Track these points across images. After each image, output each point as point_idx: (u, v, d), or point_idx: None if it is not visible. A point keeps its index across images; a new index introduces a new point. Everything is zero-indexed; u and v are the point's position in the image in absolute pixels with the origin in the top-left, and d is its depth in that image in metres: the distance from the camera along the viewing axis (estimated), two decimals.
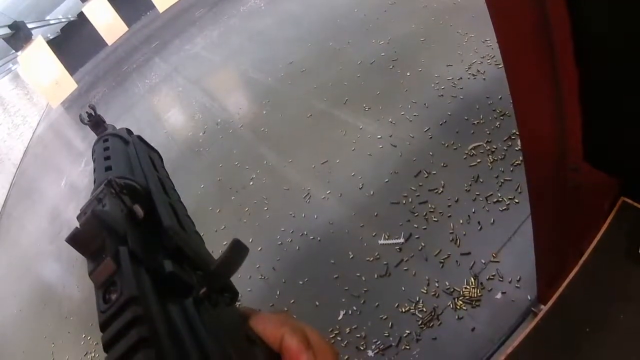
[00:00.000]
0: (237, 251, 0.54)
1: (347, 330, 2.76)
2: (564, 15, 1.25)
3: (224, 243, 3.91)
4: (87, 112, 0.97)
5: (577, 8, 1.22)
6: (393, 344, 2.56)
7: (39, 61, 16.61)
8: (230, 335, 0.52)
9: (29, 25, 17.40)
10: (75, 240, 0.48)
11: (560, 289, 1.69)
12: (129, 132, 0.95)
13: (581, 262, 1.66)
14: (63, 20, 23.04)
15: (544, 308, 1.80)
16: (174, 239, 0.57)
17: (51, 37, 20.42)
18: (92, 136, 0.92)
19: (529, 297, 2.28)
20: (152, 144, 0.91)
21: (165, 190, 0.73)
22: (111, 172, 0.72)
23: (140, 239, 0.53)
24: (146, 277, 0.47)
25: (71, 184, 8.47)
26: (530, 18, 1.28)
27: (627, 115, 1.42)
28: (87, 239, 0.49)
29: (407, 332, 2.56)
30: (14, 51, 17.11)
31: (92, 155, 0.84)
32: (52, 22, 21.56)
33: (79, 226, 0.49)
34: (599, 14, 1.23)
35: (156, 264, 0.51)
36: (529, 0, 1.23)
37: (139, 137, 0.92)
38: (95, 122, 0.96)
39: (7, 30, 16.36)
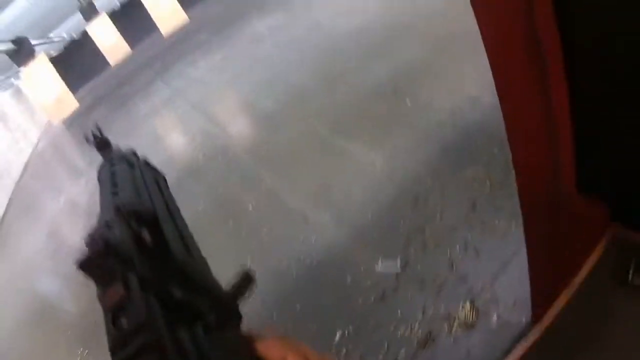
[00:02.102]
0: (245, 279, 0.59)
1: (343, 352, 2.78)
2: (557, 46, 1.31)
3: (222, 267, 3.90)
4: (92, 133, 0.99)
5: (567, 32, 1.28)
6: None
7: (41, 78, 16.68)
8: (236, 358, 0.54)
9: (32, 42, 17.48)
10: (85, 265, 0.50)
11: (552, 313, 1.73)
12: (135, 153, 0.97)
13: (573, 287, 1.70)
14: (66, 38, 23.16)
15: (536, 331, 1.84)
16: (182, 265, 0.59)
17: (54, 55, 20.48)
18: (93, 155, 0.95)
19: (523, 320, 2.31)
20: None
21: (171, 215, 0.75)
22: (118, 197, 0.73)
23: (149, 264, 0.54)
24: (155, 303, 0.48)
25: (70, 201, 8.46)
26: (524, 50, 1.34)
27: (616, 144, 1.48)
28: (97, 264, 0.50)
29: (403, 354, 2.58)
30: (16, 66, 17.16)
31: (98, 178, 0.86)
32: (55, 39, 21.68)
33: (87, 252, 0.50)
34: (588, 38, 1.29)
35: (165, 289, 0.52)
36: (522, 32, 1.29)
37: (145, 160, 0.94)
38: (101, 143, 0.98)
39: (10, 46, 16.43)
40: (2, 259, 8.52)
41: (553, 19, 1.27)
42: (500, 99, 1.46)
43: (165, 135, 8.50)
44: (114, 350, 0.43)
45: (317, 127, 5.30)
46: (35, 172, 13.00)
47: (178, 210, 0.82)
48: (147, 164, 0.93)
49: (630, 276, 1.63)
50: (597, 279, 1.70)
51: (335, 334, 2.89)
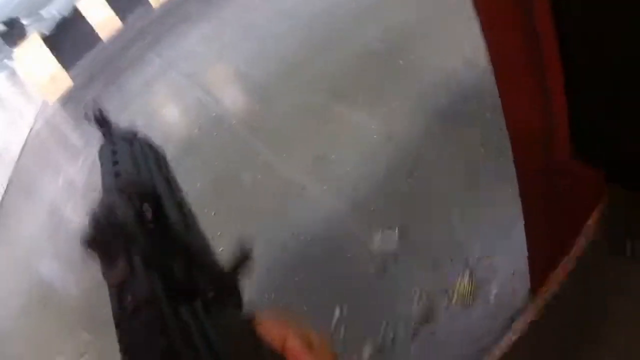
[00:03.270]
0: (245, 255, 0.58)
1: (342, 329, 2.76)
2: (548, 8, 1.24)
3: (220, 244, 3.89)
4: (93, 112, 0.97)
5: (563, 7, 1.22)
6: (388, 342, 2.56)
7: (35, 57, 16.60)
8: (237, 336, 0.54)
9: (23, 22, 17.36)
10: (88, 243, 0.50)
11: (551, 284, 1.69)
12: (135, 132, 0.96)
13: (571, 256, 1.67)
14: (57, 15, 22.98)
15: (537, 302, 1.81)
16: (183, 242, 0.59)
17: (46, 33, 20.35)
18: (90, 132, 0.94)
19: (523, 292, 2.27)
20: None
21: (172, 192, 0.74)
22: (119, 175, 0.73)
23: (151, 241, 0.54)
24: (157, 280, 0.49)
25: (69, 181, 8.45)
26: (517, 15, 1.28)
27: (611, 108, 1.42)
28: (100, 241, 0.50)
29: (403, 330, 2.55)
30: (8, 47, 17.08)
31: (99, 156, 0.85)
32: (46, 17, 21.49)
33: (90, 229, 0.51)
34: (581, 11, 1.23)
35: (167, 266, 0.52)
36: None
37: (145, 137, 0.93)
38: (102, 122, 0.96)
39: (1, 27, 16.33)
40: (2, 241, 8.56)
41: None
42: (491, 62, 1.41)
43: (160, 110, 8.46)
44: (119, 325, 0.44)
45: (311, 95, 5.24)
46: (33, 152, 13.01)
47: (179, 187, 0.83)
48: (147, 141, 0.93)
49: (627, 247, 1.59)
50: (596, 248, 1.67)
51: (334, 311, 2.87)
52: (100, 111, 0.97)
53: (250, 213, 4.17)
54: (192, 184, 5.07)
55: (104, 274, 0.49)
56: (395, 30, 5.34)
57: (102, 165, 0.81)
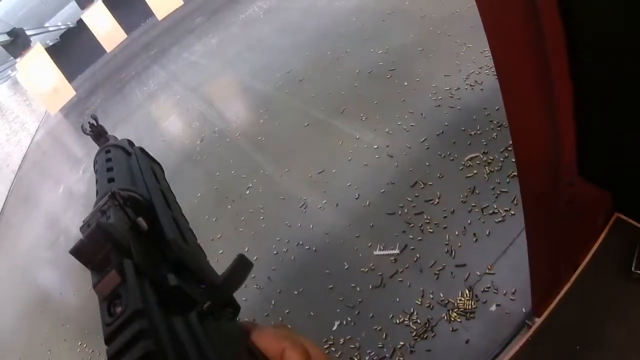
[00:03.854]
0: (241, 266, 0.56)
1: (342, 341, 2.76)
2: (559, 29, 1.25)
3: (220, 252, 3.92)
4: (89, 123, 0.97)
5: (571, 23, 1.22)
6: (387, 355, 2.55)
7: (38, 68, 16.65)
8: (232, 349, 0.53)
9: (28, 32, 17.42)
10: (80, 252, 0.49)
11: (553, 304, 1.69)
12: (131, 143, 0.95)
13: (574, 277, 1.66)
14: (62, 27, 23.08)
15: (537, 322, 1.80)
16: (178, 253, 0.57)
17: (50, 44, 20.43)
18: (91, 143, 0.93)
19: (523, 310, 2.27)
20: (150, 153, 0.91)
21: (167, 203, 0.72)
22: (114, 184, 0.72)
23: (144, 251, 0.53)
24: (150, 291, 0.47)
25: (69, 191, 8.47)
26: (525, 32, 1.28)
27: (618, 130, 1.43)
28: (92, 251, 0.49)
29: (401, 343, 2.55)
30: (12, 58, 17.12)
31: (94, 166, 0.84)
32: (51, 29, 21.59)
33: (82, 238, 0.49)
34: (593, 29, 1.24)
35: (160, 277, 0.51)
36: (523, 14, 1.23)
37: (141, 149, 0.92)
38: (97, 133, 0.96)
39: (5, 37, 16.38)
40: (2, 251, 8.55)
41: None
42: (499, 81, 1.40)
43: (163, 121, 8.48)
44: (108, 338, 0.42)
45: (314, 111, 5.26)
46: (34, 162, 13.02)
47: (174, 197, 0.81)
48: (143, 152, 0.91)
49: (633, 266, 1.58)
50: (599, 271, 1.66)
51: (334, 323, 2.87)
52: (96, 121, 0.97)
53: (251, 224, 4.18)
54: (193, 194, 5.09)
55: (94, 285, 0.47)
56: (398, 49, 5.37)
57: (96, 172, 0.80)
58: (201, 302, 0.52)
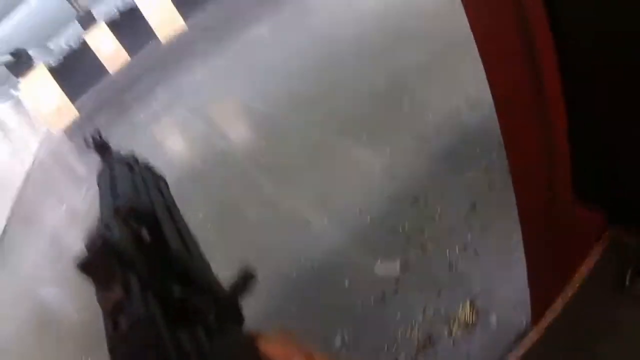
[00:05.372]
0: (246, 277, 0.59)
1: (343, 356, 2.79)
2: (550, 46, 1.31)
3: (223, 271, 3.91)
4: (92, 137, 0.99)
5: (565, 51, 1.28)
6: None
7: (41, 88, 16.67)
8: (239, 359, 0.52)
9: (31, 52, 17.51)
10: (84, 266, 0.49)
11: (550, 318, 1.72)
12: (134, 156, 0.98)
13: (570, 291, 1.70)
14: (65, 47, 23.18)
15: (534, 335, 1.84)
16: (182, 265, 0.59)
17: (53, 65, 20.48)
18: (94, 163, 0.95)
19: (523, 322, 2.31)
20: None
21: (172, 216, 0.74)
22: (117, 197, 0.73)
23: (149, 264, 0.53)
24: (155, 303, 0.48)
25: (72, 210, 8.45)
26: (519, 59, 1.34)
27: (614, 149, 1.47)
28: (96, 264, 0.49)
29: (403, 357, 2.58)
30: (15, 78, 17.18)
31: (98, 180, 0.87)
32: (53, 49, 21.67)
33: (87, 252, 0.50)
34: (584, 39, 1.29)
35: (165, 289, 0.52)
36: (514, 30, 1.29)
37: (145, 163, 0.95)
38: (101, 147, 0.98)
39: (8, 57, 16.46)
40: (4, 269, 8.53)
41: (545, 16, 1.27)
42: (494, 101, 1.46)
43: (165, 142, 8.52)
44: (112, 349, 0.43)
45: (317, 132, 5.30)
46: (36, 182, 13.00)
47: (178, 210, 0.83)
48: (147, 166, 0.94)
49: (627, 281, 1.62)
50: (594, 286, 1.70)
51: (335, 338, 2.89)
52: (100, 135, 0.99)
53: (253, 243, 4.21)
54: (194, 215, 5.11)
55: (98, 298, 0.48)
56: (402, 69, 5.43)
57: (100, 188, 0.82)
58: (206, 314, 0.53)
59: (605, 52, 1.26)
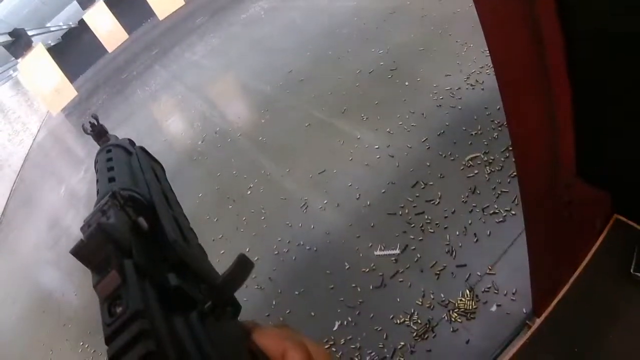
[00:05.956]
0: (242, 266, 0.55)
1: (342, 341, 2.76)
2: (557, 32, 1.25)
3: (222, 252, 3.91)
4: (89, 122, 0.97)
5: (569, 26, 1.22)
6: (387, 355, 2.55)
7: (39, 68, 16.63)
8: (233, 349, 0.52)
9: (30, 32, 17.42)
10: (80, 252, 0.48)
11: (553, 305, 1.69)
12: (132, 143, 0.95)
13: (574, 278, 1.66)
14: (63, 27, 23.08)
15: (537, 323, 1.80)
16: (178, 253, 0.57)
17: (52, 44, 20.43)
18: (92, 144, 0.93)
19: (524, 310, 2.27)
20: (152, 153, 0.91)
21: (168, 203, 0.72)
22: (115, 183, 0.72)
23: (145, 251, 0.53)
24: (151, 291, 0.47)
25: (71, 191, 8.47)
26: (523, 35, 1.28)
27: (617, 130, 1.42)
28: (92, 251, 0.49)
29: (402, 343, 2.55)
30: (14, 58, 17.12)
31: (95, 166, 0.84)
32: (52, 29, 21.59)
33: (83, 238, 0.49)
34: (592, 26, 1.23)
35: (161, 277, 0.51)
36: (521, 17, 1.23)
37: (142, 149, 0.91)
38: (98, 132, 0.96)
39: (7, 38, 16.38)
40: (4, 251, 8.56)
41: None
42: (498, 80, 1.40)
43: (165, 121, 8.48)
44: (109, 338, 0.42)
45: (316, 111, 5.26)
46: (35, 162, 13.03)
47: (175, 197, 0.81)
48: (143, 151, 0.91)
49: (632, 267, 1.58)
50: (598, 272, 1.66)
51: (335, 323, 2.87)
52: (97, 120, 0.97)
53: (252, 224, 4.19)
54: (194, 194, 5.10)
55: (95, 285, 0.47)
56: (399, 49, 5.38)
57: (97, 172, 0.80)
58: (202, 302, 0.52)
59: (614, 30, 1.21)
